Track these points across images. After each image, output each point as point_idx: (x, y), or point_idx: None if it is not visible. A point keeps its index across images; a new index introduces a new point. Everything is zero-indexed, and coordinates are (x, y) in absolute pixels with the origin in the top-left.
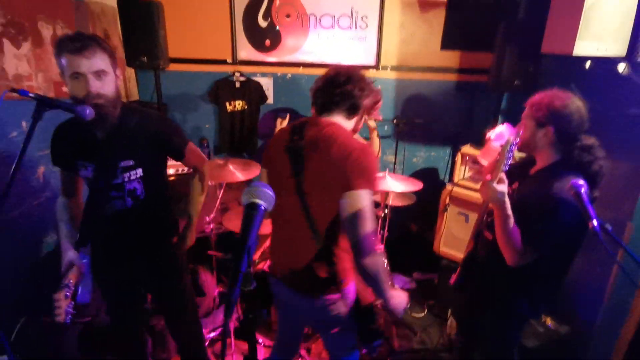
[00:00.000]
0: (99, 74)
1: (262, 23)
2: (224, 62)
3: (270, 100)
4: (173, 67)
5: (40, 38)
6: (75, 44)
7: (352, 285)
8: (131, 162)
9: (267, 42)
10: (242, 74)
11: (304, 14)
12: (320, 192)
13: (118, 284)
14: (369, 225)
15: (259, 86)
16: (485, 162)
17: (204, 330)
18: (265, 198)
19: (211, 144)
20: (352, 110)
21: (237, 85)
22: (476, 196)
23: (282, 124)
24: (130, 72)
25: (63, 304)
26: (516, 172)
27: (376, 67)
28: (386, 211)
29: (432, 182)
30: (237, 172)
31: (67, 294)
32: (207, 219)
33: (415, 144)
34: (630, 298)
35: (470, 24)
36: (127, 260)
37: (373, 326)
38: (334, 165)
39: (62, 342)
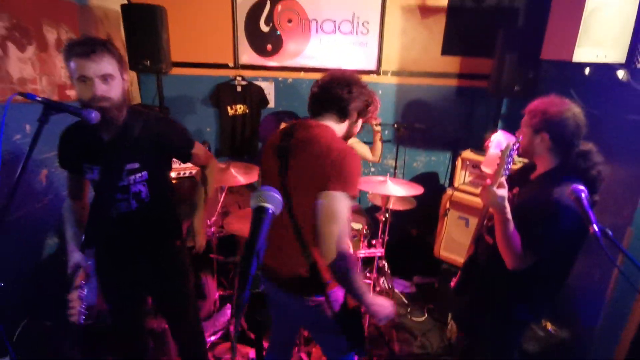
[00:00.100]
0: (106, 77)
1: (264, 28)
2: (225, 66)
3: (271, 104)
4: (175, 70)
5: (45, 42)
6: (84, 48)
7: (339, 289)
8: (136, 165)
9: (269, 46)
10: (243, 78)
11: (305, 19)
12: (302, 192)
13: (121, 286)
14: (338, 227)
15: (260, 90)
16: (489, 171)
17: (204, 333)
18: (273, 202)
19: (212, 147)
20: (341, 114)
21: (239, 89)
22: (476, 201)
23: None
24: (132, 75)
25: (77, 305)
26: (517, 177)
27: (377, 72)
28: (387, 215)
29: (432, 187)
30: (238, 176)
31: (81, 295)
32: (208, 222)
33: (415, 149)
34: (630, 303)
35: (471, 30)
36: (131, 262)
37: (357, 331)
38: (313, 165)
39: (63, 344)
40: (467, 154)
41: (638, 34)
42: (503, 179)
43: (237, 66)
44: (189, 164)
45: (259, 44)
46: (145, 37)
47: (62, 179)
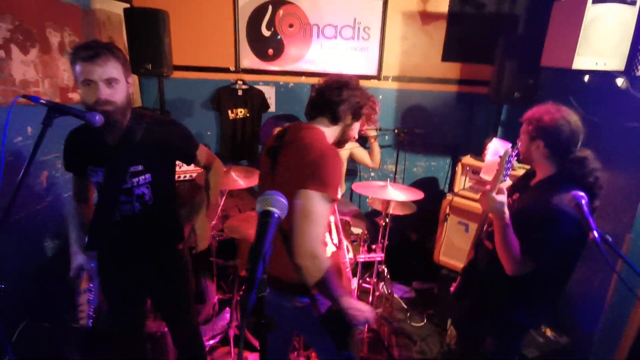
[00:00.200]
0: (110, 81)
1: (266, 32)
2: (227, 70)
3: (272, 108)
4: (176, 74)
5: (48, 45)
6: (89, 51)
7: None
8: (140, 167)
9: (270, 51)
10: (244, 82)
11: (307, 24)
12: (286, 192)
13: (123, 287)
14: (310, 227)
15: (261, 94)
16: (489, 178)
17: (203, 337)
18: (279, 206)
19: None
20: (332, 117)
21: (240, 93)
22: (476, 206)
23: None
24: (134, 78)
25: (86, 309)
26: (518, 184)
27: (378, 77)
28: (387, 220)
29: (432, 192)
30: (239, 180)
31: (90, 298)
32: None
33: (415, 154)
34: (629, 309)
35: (471, 36)
36: (134, 264)
37: (343, 333)
38: (294, 164)
39: (62, 345)
40: (467, 159)
41: (637, 43)
42: (502, 185)
43: (238, 70)
44: (189, 167)
45: (260, 48)
46: (147, 41)
47: (62, 181)
